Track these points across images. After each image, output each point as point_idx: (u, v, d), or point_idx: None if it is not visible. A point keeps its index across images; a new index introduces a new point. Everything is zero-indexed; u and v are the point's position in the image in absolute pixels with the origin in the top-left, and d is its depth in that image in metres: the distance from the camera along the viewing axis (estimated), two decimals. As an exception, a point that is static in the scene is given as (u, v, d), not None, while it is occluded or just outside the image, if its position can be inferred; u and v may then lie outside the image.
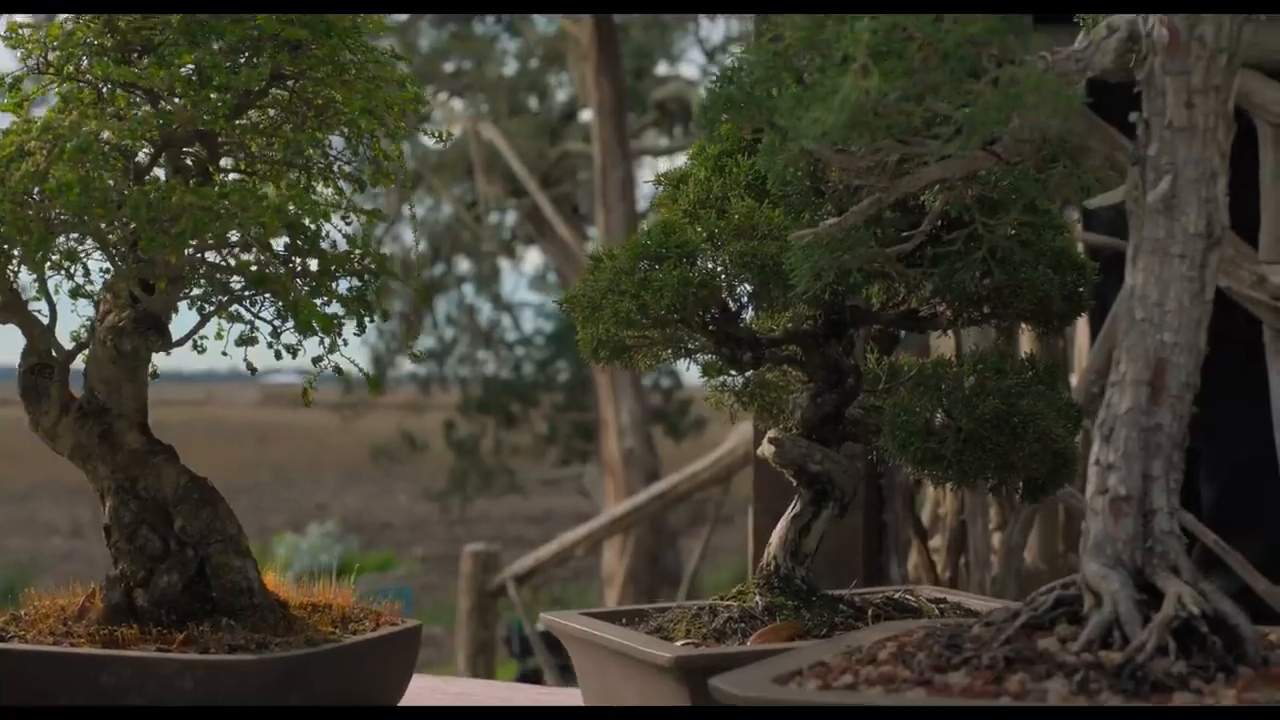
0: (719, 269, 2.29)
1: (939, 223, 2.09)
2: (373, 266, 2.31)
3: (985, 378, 2.31)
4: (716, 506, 10.70)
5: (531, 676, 11.28)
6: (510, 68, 21.36)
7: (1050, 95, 1.65)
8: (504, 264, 21.99)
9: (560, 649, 11.08)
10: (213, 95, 2.11)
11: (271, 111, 2.27)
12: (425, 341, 21.74)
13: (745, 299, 2.36)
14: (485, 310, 22.40)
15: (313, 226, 2.17)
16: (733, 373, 2.55)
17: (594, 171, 14.55)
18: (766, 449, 2.47)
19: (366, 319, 2.31)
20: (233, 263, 2.17)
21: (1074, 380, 4.35)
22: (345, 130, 2.38)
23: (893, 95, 1.61)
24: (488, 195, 18.58)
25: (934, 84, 1.63)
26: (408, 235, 21.94)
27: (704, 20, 18.59)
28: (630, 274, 2.26)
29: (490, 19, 21.13)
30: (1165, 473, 1.72)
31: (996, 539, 4.47)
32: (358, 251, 2.29)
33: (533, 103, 21.35)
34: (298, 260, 2.17)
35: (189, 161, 2.29)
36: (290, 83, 2.26)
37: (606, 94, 14.21)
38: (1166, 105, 1.68)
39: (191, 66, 2.15)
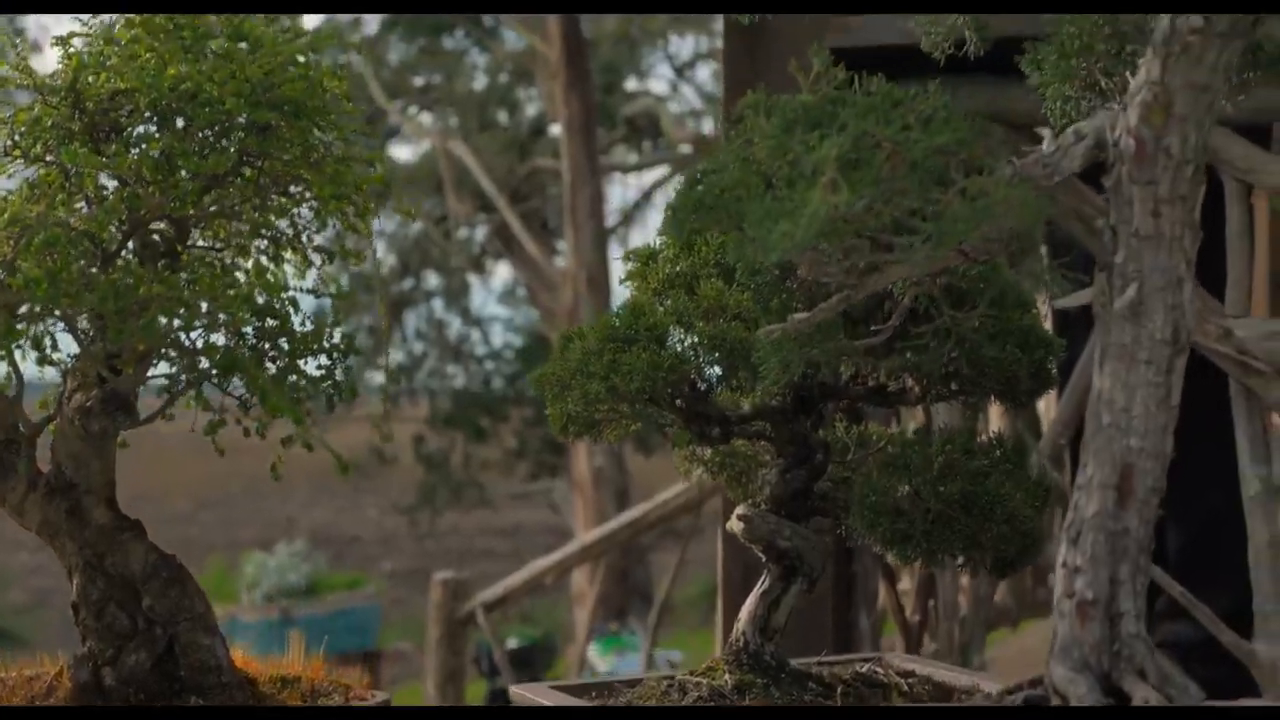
0: (688, 351, 2.29)
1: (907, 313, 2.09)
2: (342, 346, 2.31)
3: (953, 458, 2.32)
4: (689, 523, 10.70)
5: (500, 696, 11.28)
6: (480, 82, 21.34)
7: (1018, 205, 1.66)
8: (473, 279, 21.96)
9: (529, 667, 11.01)
10: (181, 180, 2.10)
11: (239, 190, 2.26)
12: (394, 356, 21.68)
13: (714, 379, 2.36)
14: (455, 324, 22.36)
15: (283, 310, 2.17)
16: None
17: (563, 188, 14.56)
18: (735, 525, 2.47)
19: (336, 399, 2.31)
20: (201, 345, 2.16)
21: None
22: (314, 205, 2.38)
23: (860, 203, 1.62)
24: (457, 212, 18.56)
25: (902, 191, 1.64)
26: (380, 247, 21.85)
27: (673, 37, 18.59)
28: (600, 355, 2.27)
29: (460, 33, 21.12)
30: (1132, 576, 1.73)
31: (965, 579, 4.49)
32: (327, 330, 2.29)
33: (502, 117, 21.34)
34: (267, 344, 2.17)
35: (156, 237, 2.28)
36: (259, 162, 2.25)
37: (576, 111, 14.22)
38: (1134, 214, 1.69)
39: (160, 151, 2.14)
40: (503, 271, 21.49)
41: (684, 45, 19.05)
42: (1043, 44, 1.91)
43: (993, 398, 2.46)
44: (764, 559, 2.48)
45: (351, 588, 15.89)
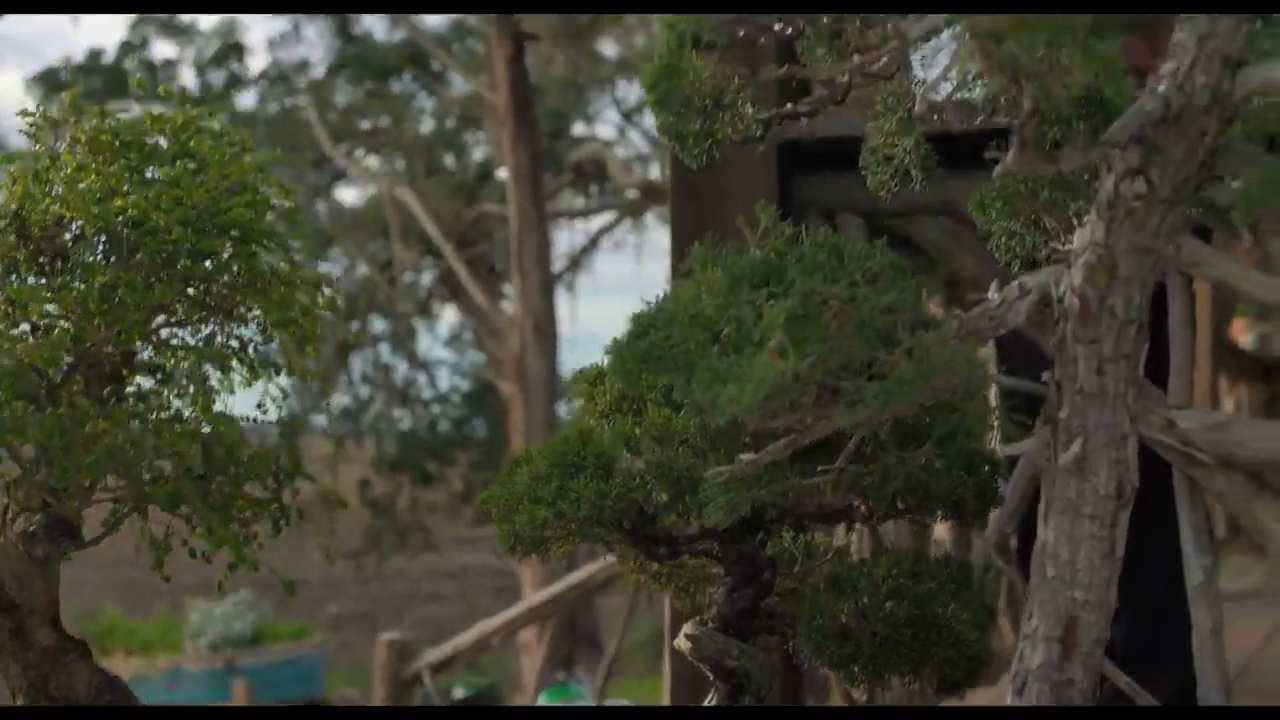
0: (636, 478, 2.29)
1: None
2: (289, 468, 2.31)
3: (900, 581, 2.32)
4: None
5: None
6: (427, 126, 21.32)
7: (963, 362, 1.67)
8: (420, 323, 21.90)
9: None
10: (127, 313, 2.09)
11: (185, 315, 2.25)
12: (340, 400, 21.60)
13: (661, 504, 2.36)
14: (401, 368, 22.30)
15: (230, 438, 2.16)
16: (649, 559, 2.55)
17: (510, 237, 14.55)
18: (683, 643, 2.47)
19: (282, 522, 2.31)
20: (147, 475, 2.15)
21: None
22: (261, 322, 2.37)
23: (807, 361, 1.63)
24: (403, 258, 18.52)
25: (849, 350, 1.64)
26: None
27: (621, 82, 18.62)
28: (547, 481, 2.27)
29: (408, 77, 21.11)
30: (1077, 728, 1.74)
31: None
32: (272, 454, 2.28)
33: (449, 161, 21.32)
34: (214, 478, 2.16)
35: (103, 365, 2.27)
36: (204, 287, 2.24)
37: (523, 160, 14.22)
38: (1078, 371, 1.70)
39: (106, 282, 2.13)
40: (450, 315, 21.44)
41: (631, 91, 19.07)
42: (989, 189, 1.92)
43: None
44: (711, 677, 2.48)
45: (297, 637, 15.80)
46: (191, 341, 2.34)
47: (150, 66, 21.59)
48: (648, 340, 1.77)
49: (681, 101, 1.80)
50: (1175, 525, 3.67)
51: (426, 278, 20.71)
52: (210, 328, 2.33)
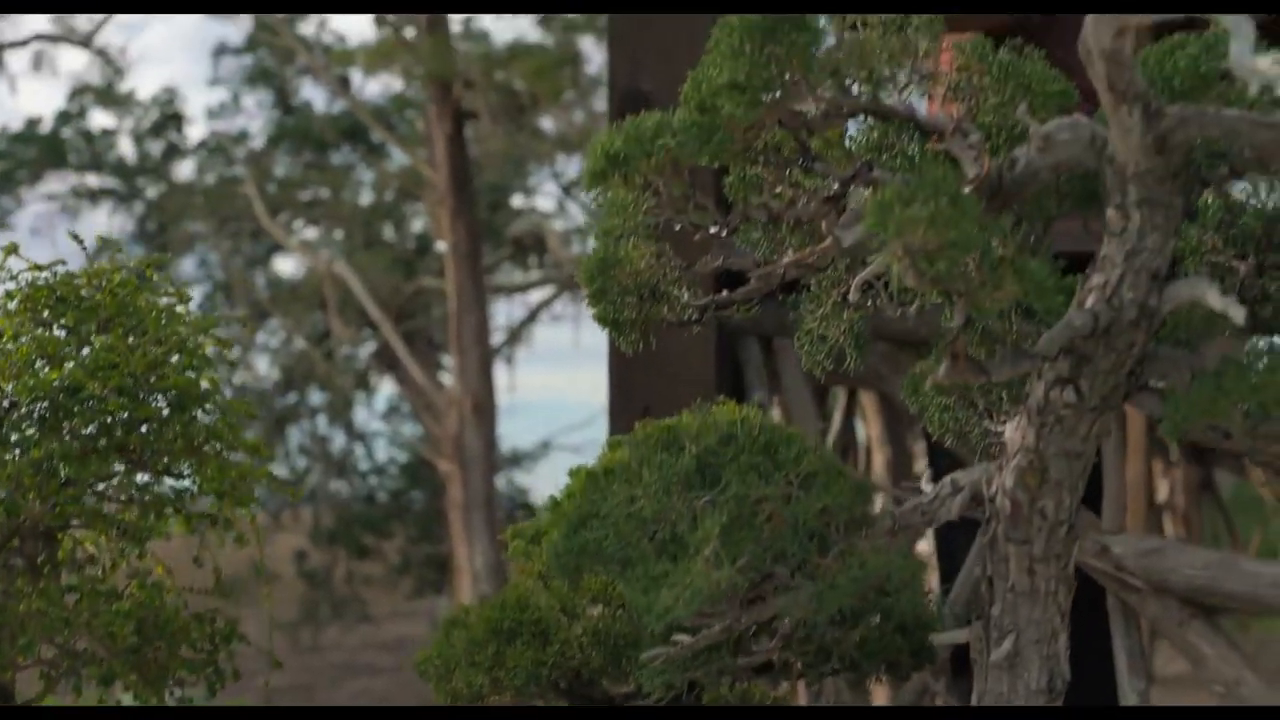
0: (573, 643, 2.30)
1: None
2: (225, 631, 2.30)
3: (835, 743, 2.33)
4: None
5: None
6: (366, 197, 21.31)
7: (897, 564, 1.68)
8: (358, 394, 21.81)
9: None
10: (61, 489, 2.09)
11: (120, 486, 2.25)
12: (276, 470, 21.45)
13: (600, 666, 2.36)
14: (338, 440, 22.18)
15: (167, 610, 2.15)
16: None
17: (449, 315, 14.54)
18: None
19: (218, 686, 2.30)
20: (82, 648, 2.14)
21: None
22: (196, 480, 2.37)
23: (741, 565, 1.64)
24: (340, 333, 18.47)
25: (782, 552, 1.66)
26: (260, 364, 21.73)
27: (560, 156, 18.66)
28: (484, 647, 2.27)
29: (347, 148, 21.11)
30: None
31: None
32: (207, 619, 2.27)
33: (389, 231, 21.30)
34: (148, 647, 2.15)
35: (38, 527, 2.26)
36: (140, 456, 2.24)
37: (462, 237, 14.22)
38: (1009, 569, 1.72)
39: (40, 456, 2.13)
40: (388, 386, 21.37)
41: (570, 164, 19.13)
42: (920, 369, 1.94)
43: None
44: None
45: (231, 716, 15.69)
46: (124, 498, 2.34)
47: (88, 136, 21.53)
48: (584, 537, 1.78)
49: (618, 292, 1.81)
50: (1110, 646, 3.70)
51: (365, 350, 20.66)
52: (146, 477, 2.33)
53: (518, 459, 21.46)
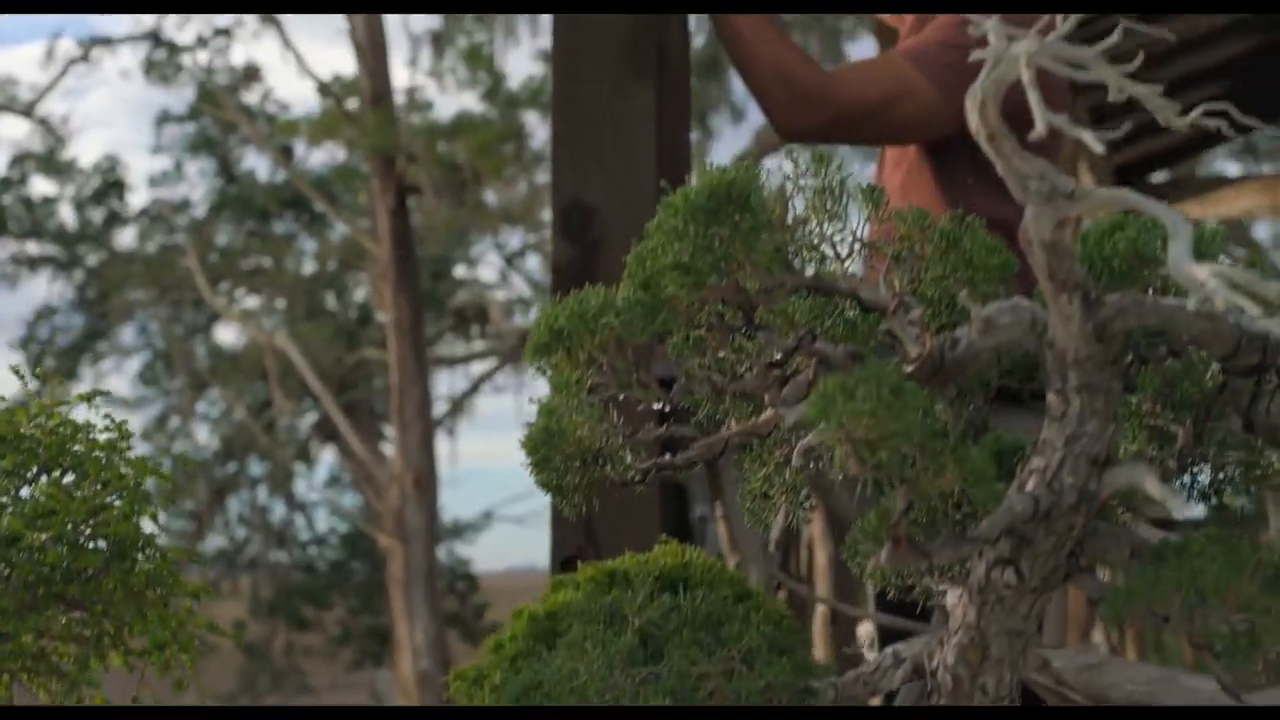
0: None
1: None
2: (162, 780, 2.27)
3: None
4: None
5: None
6: (309, 266, 21.30)
7: (840, 741, 1.68)
8: (298, 465, 21.72)
9: None
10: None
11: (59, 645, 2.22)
12: (216, 542, 21.35)
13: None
14: (279, 509, 22.09)
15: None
16: None
17: (391, 390, 14.52)
18: None
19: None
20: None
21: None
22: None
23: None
24: (281, 406, 18.41)
25: (726, 728, 1.66)
26: (200, 432, 21.64)
27: (504, 227, 18.71)
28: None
29: (290, 216, 21.10)
30: None
31: None
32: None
33: (331, 300, 21.29)
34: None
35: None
36: (77, 614, 2.21)
37: (404, 312, 14.22)
38: (952, 746, 1.72)
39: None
40: (329, 455, 21.31)
41: (513, 236, 19.18)
42: (859, 529, 1.95)
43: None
44: None
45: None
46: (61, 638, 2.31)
47: (28, 203, 21.45)
48: (519, 689, 1.78)
49: (562, 460, 1.81)
50: (1050, 763, 3.71)
51: (306, 420, 20.60)
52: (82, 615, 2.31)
53: (459, 530, 21.43)
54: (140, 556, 2.29)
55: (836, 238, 1.78)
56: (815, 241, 1.75)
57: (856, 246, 1.82)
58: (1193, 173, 15.73)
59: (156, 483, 2.40)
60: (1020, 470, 1.65)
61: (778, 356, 1.78)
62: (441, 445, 17.96)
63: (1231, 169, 21.04)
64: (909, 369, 1.67)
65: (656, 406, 1.72)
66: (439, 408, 18.51)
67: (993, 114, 1.48)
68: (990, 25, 1.46)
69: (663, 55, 3.85)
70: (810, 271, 1.74)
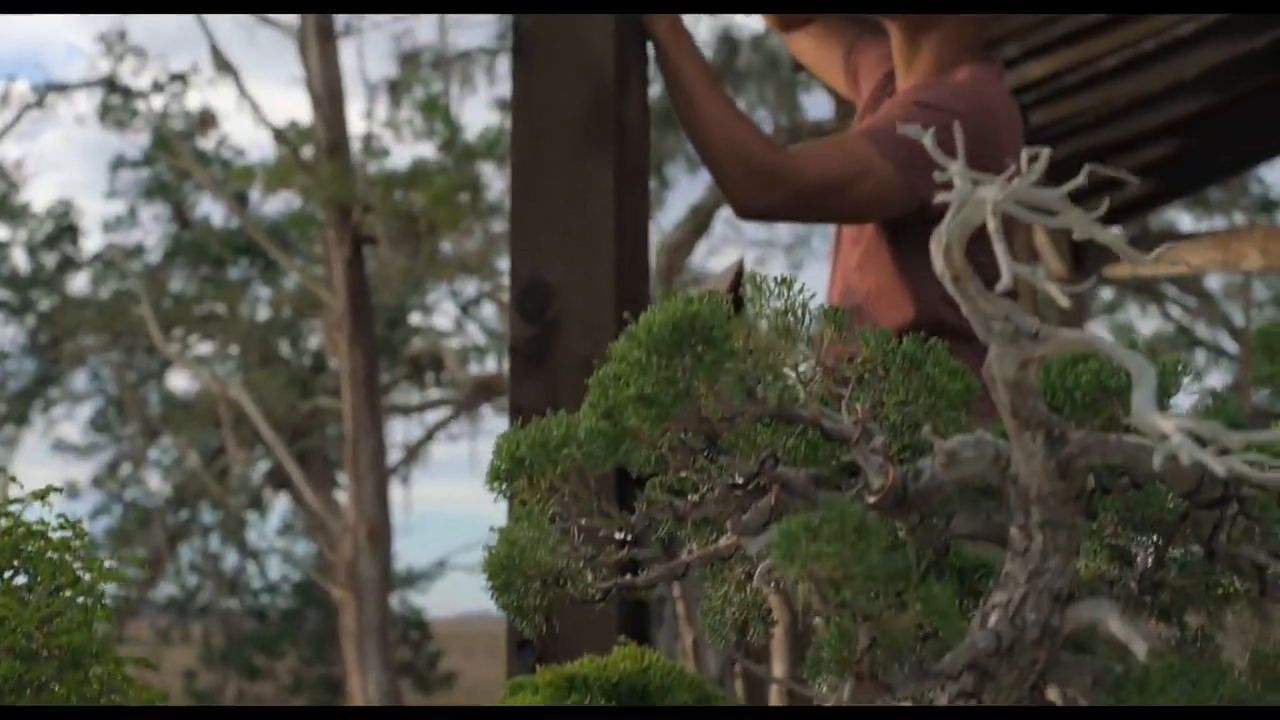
0: None
1: None
2: None
3: None
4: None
5: None
6: (263, 313, 21.23)
7: None
8: (251, 513, 21.60)
9: None
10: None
11: None
12: (167, 590, 21.20)
13: None
14: (231, 557, 21.95)
15: None
16: None
17: (345, 440, 14.46)
18: None
19: None
20: None
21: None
22: None
23: None
24: (234, 455, 18.32)
25: None
26: (153, 479, 21.50)
27: (459, 275, 18.68)
28: None
29: (244, 263, 21.04)
30: None
31: None
32: None
33: (285, 346, 21.23)
34: None
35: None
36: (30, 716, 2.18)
37: (359, 364, 14.17)
38: None
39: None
40: (282, 503, 21.21)
41: (469, 284, 19.15)
42: (815, 651, 1.94)
43: None
44: None
45: None
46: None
47: (-20, 249, 21.35)
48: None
49: (523, 582, 1.80)
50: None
51: (260, 467, 20.49)
52: None
53: (413, 579, 21.34)
54: (95, 666, 2.26)
55: (800, 366, 1.78)
56: (778, 368, 1.75)
57: (818, 372, 1.82)
58: (1147, 229, 15.86)
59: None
60: (983, 600, 1.65)
61: (739, 480, 1.77)
62: (396, 495, 17.90)
63: (1185, 221, 21.22)
64: (872, 499, 1.67)
65: (618, 536, 1.71)
66: (394, 455, 18.48)
67: (957, 257, 1.48)
68: (955, 169, 1.46)
69: (621, 130, 3.84)
70: (773, 398, 1.73)
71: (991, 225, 1.41)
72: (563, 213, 3.73)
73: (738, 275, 3.39)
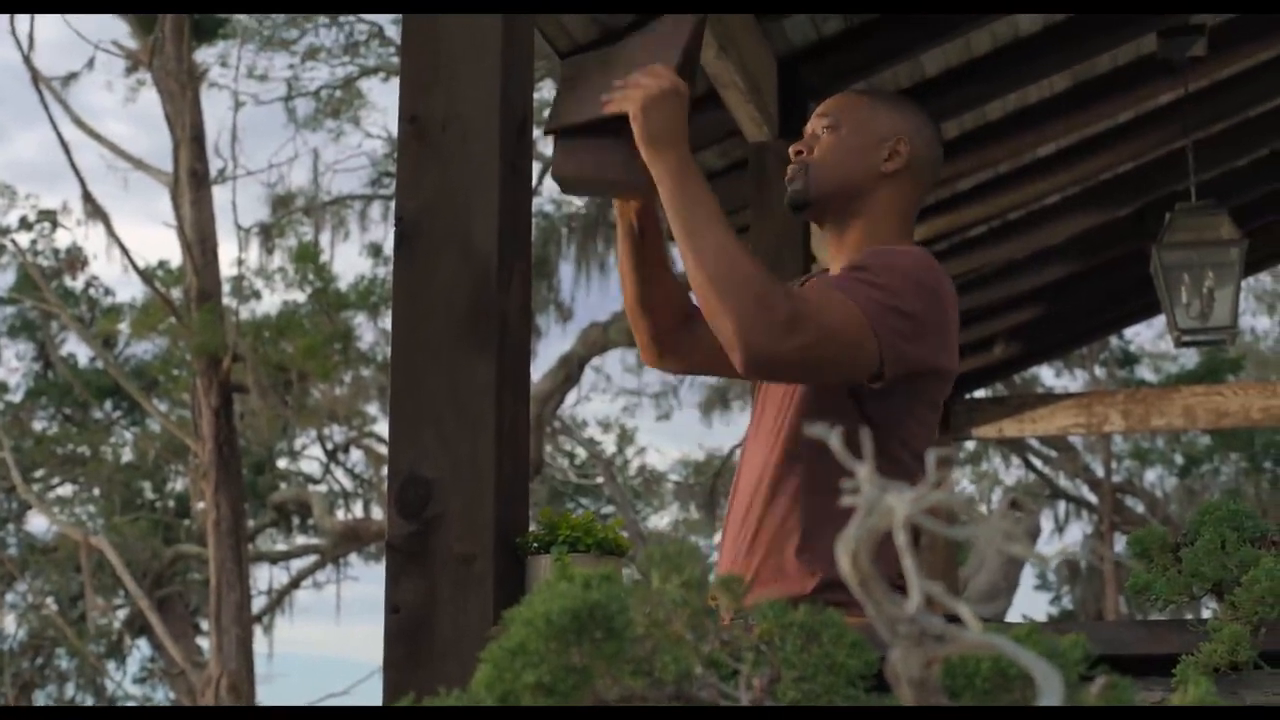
0: None
1: None
2: None
3: None
4: None
5: None
6: (127, 455, 20.90)
7: None
8: (110, 660, 21.11)
9: None
10: None
11: None
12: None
13: None
14: (88, 703, 21.40)
15: None
16: None
17: (210, 591, 14.19)
18: None
19: None
20: None
21: None
22: None
23: None
24: (94, 604, 17.94)
25: None
26: (8, 622, 20.97)
27: (330, 423, 18.53)
28: None
29: (109, 404, 20.76)
30: None
31: None
32: None
33: (149, 489, 20.89)
34: None
35: None
36: None
37: (225, 514, 13.95)
38: None
39: None
40: (142, 649, 20.75)
41: (337, 431, 18.99)
42: None
43: None
44: None
45: None
46: None
47: None
48: None
49: None
50: None
51: (119, 614, 20.07)
52: None
53: (274, 728, 20.90)
54: None
55: (702, 646, 1.76)
56: (678, 647, 1.72)
57: (718, 644, 1.80)
58: (1013, 390, 16.09)
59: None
60: None
61: None
62: (260, 644, 17.57)
63: (1047, 374, 21.55)
64: (772, 789, 1.65)
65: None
66: (259, 602, 18.17)
67: (864, 562, 1.47)
68: (863, 474, 1.45)
69: (504, 324, 3.81)
70: (671, 678, 1.70)
71: (899, 540, 1.40)
72: (443, 407, 3.68)
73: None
